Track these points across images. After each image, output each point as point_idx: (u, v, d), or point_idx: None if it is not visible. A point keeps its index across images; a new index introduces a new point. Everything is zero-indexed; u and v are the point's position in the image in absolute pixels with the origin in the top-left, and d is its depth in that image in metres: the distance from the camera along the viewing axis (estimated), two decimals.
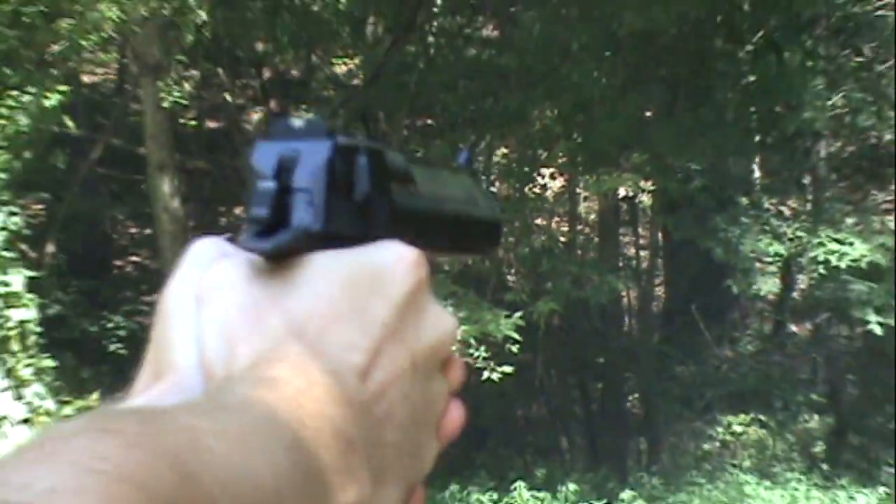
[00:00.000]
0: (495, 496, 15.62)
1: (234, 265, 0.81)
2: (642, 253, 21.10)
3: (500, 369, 16.01)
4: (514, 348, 16.07)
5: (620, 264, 19.93)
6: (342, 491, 0.72)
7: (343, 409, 0.75)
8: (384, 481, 0.77)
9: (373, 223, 0.84)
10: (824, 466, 17.36)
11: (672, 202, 19.27)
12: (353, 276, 0.80)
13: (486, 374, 16.03)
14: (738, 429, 18.40)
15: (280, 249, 0.80)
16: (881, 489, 15.76)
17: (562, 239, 20.14)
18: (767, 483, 16.10)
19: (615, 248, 20.13)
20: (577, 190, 20.11)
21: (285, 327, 0.78)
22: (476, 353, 15.94)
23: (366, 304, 0.79)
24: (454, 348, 0.86)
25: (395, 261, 0.81)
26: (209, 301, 0.79)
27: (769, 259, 18.72)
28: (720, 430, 18.54)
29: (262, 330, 0.78)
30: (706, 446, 18.35)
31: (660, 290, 20.90)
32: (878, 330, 17.43)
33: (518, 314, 16.34)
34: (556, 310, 17.70)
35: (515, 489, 15.55)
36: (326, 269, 0.80)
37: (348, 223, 0.82)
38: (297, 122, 0.83)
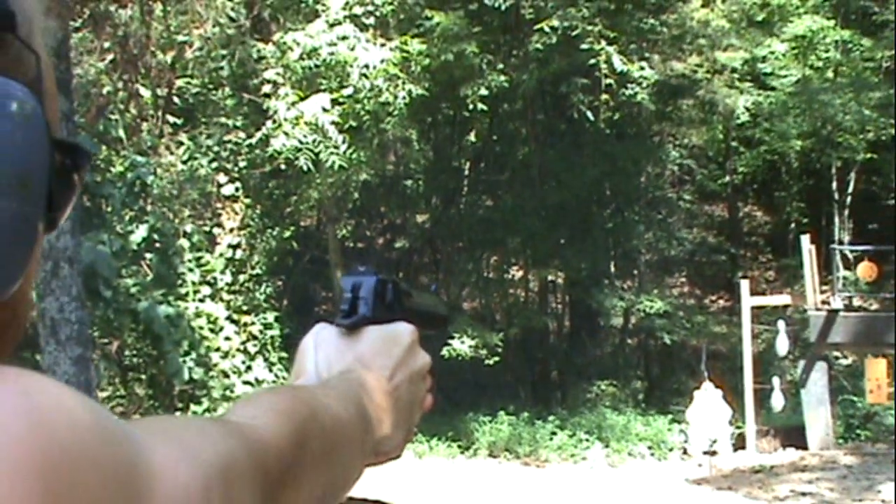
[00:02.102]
0: (490, 419, 15.07)
1: (331, 332, 0.83)
2: (559, 306, 20.17)
3: (492, 359, 15.58)
4: (499, 349, 15.67)
5: (549, 311, 19.18)
6: (379, 428, 0.77)
7: (380, 393, 0.78)
8: (398, 427, 0.80)
9: (394, 314, 0.85)
10: (643, 406, 16.72)
11: (573, 282, 18.79)
12: (385, 338, 0.82)
13: (486, 362, 15.63)
14: (603, 388, 17.58)
15: (353, 326, 0.82)
16: (669, 416, 15.27)
17: (521, 300, 19.49)
18: (617, 413, 15.74)
19: (546, 304, 19.25)
20: (529, 276, 19.32)
21: (355, 359, 0.81)
22: (481, 351, 15.49)
23: (391, 350, 0.82)
24: (429, 368, 0.87)
25: (403, 331, 0.83)
26: (321, 346, 0.82)
27: (618, 308, 18.23)
28: (594, 388, 17.67)
29: (344, 360, 0.81)
30: (588, 395, 17.45)
31: (567, 323, 19.91)
32: (668, 342, 17.29)
33: (501, 334, 16.11)
34: (518, 332, 17.43)
35: (500, 415, 15.07)
36: (374, 335, 0.82)
37: (383, 314, 0.83)
38: (361, 268, 0.86)
